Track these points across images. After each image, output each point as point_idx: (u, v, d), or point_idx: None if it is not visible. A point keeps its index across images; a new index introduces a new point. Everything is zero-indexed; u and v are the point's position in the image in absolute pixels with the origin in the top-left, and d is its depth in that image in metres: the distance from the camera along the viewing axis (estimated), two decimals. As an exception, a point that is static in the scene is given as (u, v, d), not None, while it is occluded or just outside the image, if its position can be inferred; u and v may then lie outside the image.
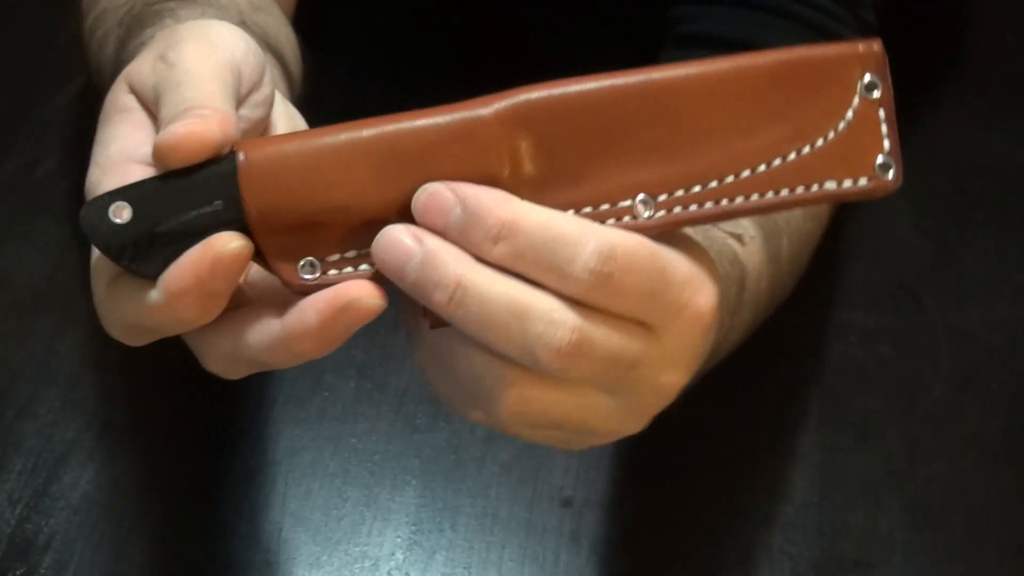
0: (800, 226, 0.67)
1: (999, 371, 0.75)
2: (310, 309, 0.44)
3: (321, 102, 0.83)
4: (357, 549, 0.65)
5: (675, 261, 0.44)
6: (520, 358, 0.43)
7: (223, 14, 0.58)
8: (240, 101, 0.49)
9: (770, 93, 0.46)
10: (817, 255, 0.80)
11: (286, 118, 0.53)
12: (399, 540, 0.65)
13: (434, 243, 0.43)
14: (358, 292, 0.44)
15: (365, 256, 0.45)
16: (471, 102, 0.47)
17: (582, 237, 0.43)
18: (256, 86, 0.50)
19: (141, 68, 0.48)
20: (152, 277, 0.44)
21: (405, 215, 0.45)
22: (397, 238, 0.44)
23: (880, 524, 0.68)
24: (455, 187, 0.44)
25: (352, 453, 0.69)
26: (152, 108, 0.47)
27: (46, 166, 0.80)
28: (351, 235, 0.45)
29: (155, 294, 0.44)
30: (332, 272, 0.45)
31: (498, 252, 0.44)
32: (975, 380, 0.75)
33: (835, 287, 0.79)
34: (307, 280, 0.45)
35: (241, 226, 0.44)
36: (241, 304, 0.46)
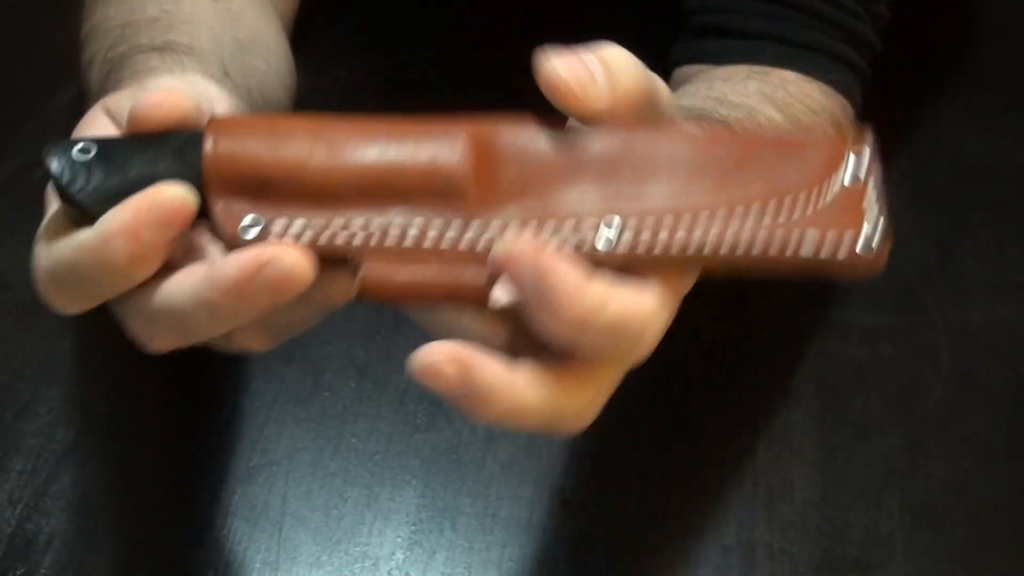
0: None
1: (999, 371, 0.75)
2: (232, 259, 0.42)
3: (322, 100, 0.83)
4: (357, 549, 0.65)
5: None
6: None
7: (205, 66, 0.58)
8: None
9: (760, 157, 0.47)
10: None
11: None
12: (399, 540, 0.65)
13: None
14: (282, 252, 0.42)
15: (315, 227, 0.44)
16: (446, 119, 0.46)
17: (644, 331, 0.44)
18: None
19: (119, 99, 0.49)
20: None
21: (363, 191, 0.45)
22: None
23: (880, 524, 0.68)
24: (536, 257, 0.43)
25: (352, 453, 0.69)
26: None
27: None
28: (304, 203, 0.45)
29: (90, 232, 0.43)
30: (273, 236, 0.44)
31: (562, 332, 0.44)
32: (975, 380, 0.75)
33: (835, 287, 0.79)
34: (247, 239, 0.44)
35: (196, 183, 0.44)
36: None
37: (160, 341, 0.45)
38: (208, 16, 0.63)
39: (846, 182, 0.47)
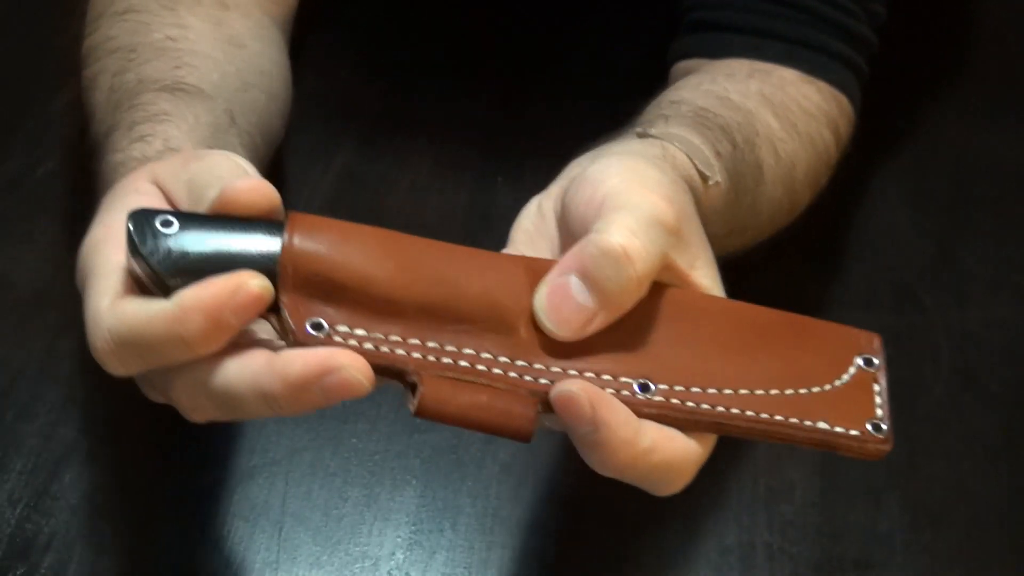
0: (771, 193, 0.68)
1: (999, 371, 0.75)
2: (299, 356, 0.44)
3: (322, 100, 0.83)
4: (357, 549, 0.65)
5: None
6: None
7: (214, 113, 0.59)
8: None
9: (778, 337, 0.51)
10: (816, 255, 0.80)
11: None
12: (399, 540, 0.65)
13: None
14: (349, 361, 0.44)
15: (374, 339, 0.47)
16: (510, 258, 0.50)
17: (684, 472, 0.49)
18: None
19: (168, 169, 0.49)
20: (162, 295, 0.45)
21: (423, 316, 0.47)
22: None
23: (880, 524, 0.68)
24: (594, 404, 0.46)
25: (352, 453, 0.69)
26: (179, 200, 0.48)
27: (46, 166, 0.80)
28: (367, 316, 0.46)
29: (168, 303, 0.44)
30: (337, 339, 0.46)
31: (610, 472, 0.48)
32: (975, 380, 0.75)
33: (835, 287, 0.79)
34: (310, 334, 0.46)
35: (271, 274, 0.45)
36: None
37: (204, 414, 0.47)
38: (213, 49, 0.64)
39: (859, 368, 0.52)
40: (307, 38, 0.82)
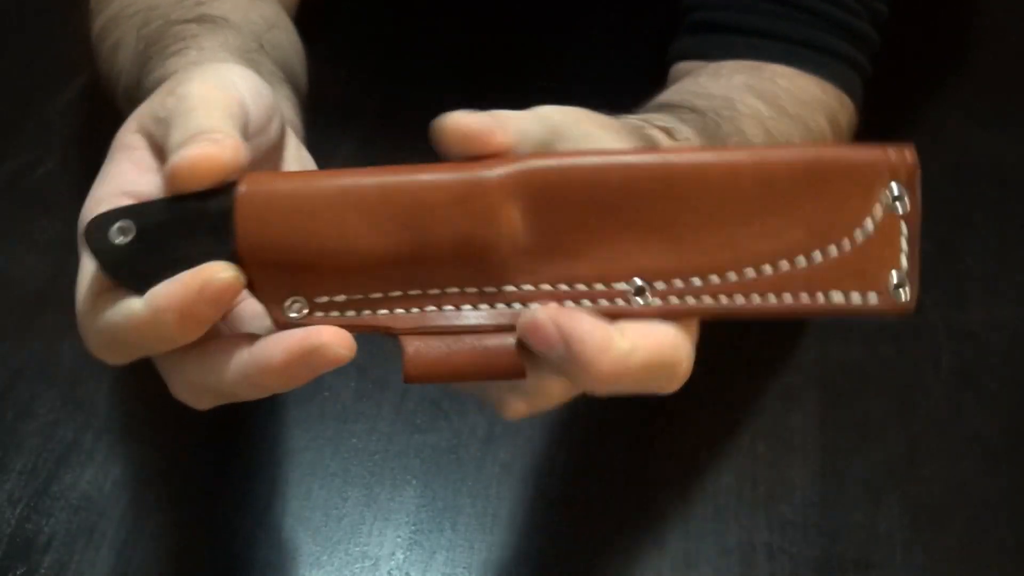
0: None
1: (999, 371, 0.75)
2: (278, 346, 0.44)
3: (321, 102, 0.83)
4: (357, 549, 0.65)
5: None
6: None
7: (242, 37, 0.59)
8: (245, 139, 0.49)
9: (789, 192, 0.45)
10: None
11: (297, 163, 0.54)
12: (399, 540, 0.65)
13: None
14: (328, 338, 0.44)
15: (355, 302, 0.46)
16: (475, 163, 0.46)
17: (677, 363, 0.45)
18: (262, 129, 0.50)
19: (151, 108, 0.49)
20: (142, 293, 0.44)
21: (397, 265, 0.45)
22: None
23: (880, 524, 0.68)
24: (559, 323, 0.44)
25: (352, 453, 0.69)
26: (160, 143, 0.48)
27: (47, 166, 0.80)
28: (342, 280, 0.46)
29: (139, 305, 0.44)
30: (319, 314, 0.46)
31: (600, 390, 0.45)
32: (975, 380, 0.75)
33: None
34: (292, 318, 0.45)
35: (236, 257, 0.45)
36: (216, 337, 0.46)
37: (204, 404, 0.48)
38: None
39: (885, 209, 0.45)
40: (307, 39, 0.82)
